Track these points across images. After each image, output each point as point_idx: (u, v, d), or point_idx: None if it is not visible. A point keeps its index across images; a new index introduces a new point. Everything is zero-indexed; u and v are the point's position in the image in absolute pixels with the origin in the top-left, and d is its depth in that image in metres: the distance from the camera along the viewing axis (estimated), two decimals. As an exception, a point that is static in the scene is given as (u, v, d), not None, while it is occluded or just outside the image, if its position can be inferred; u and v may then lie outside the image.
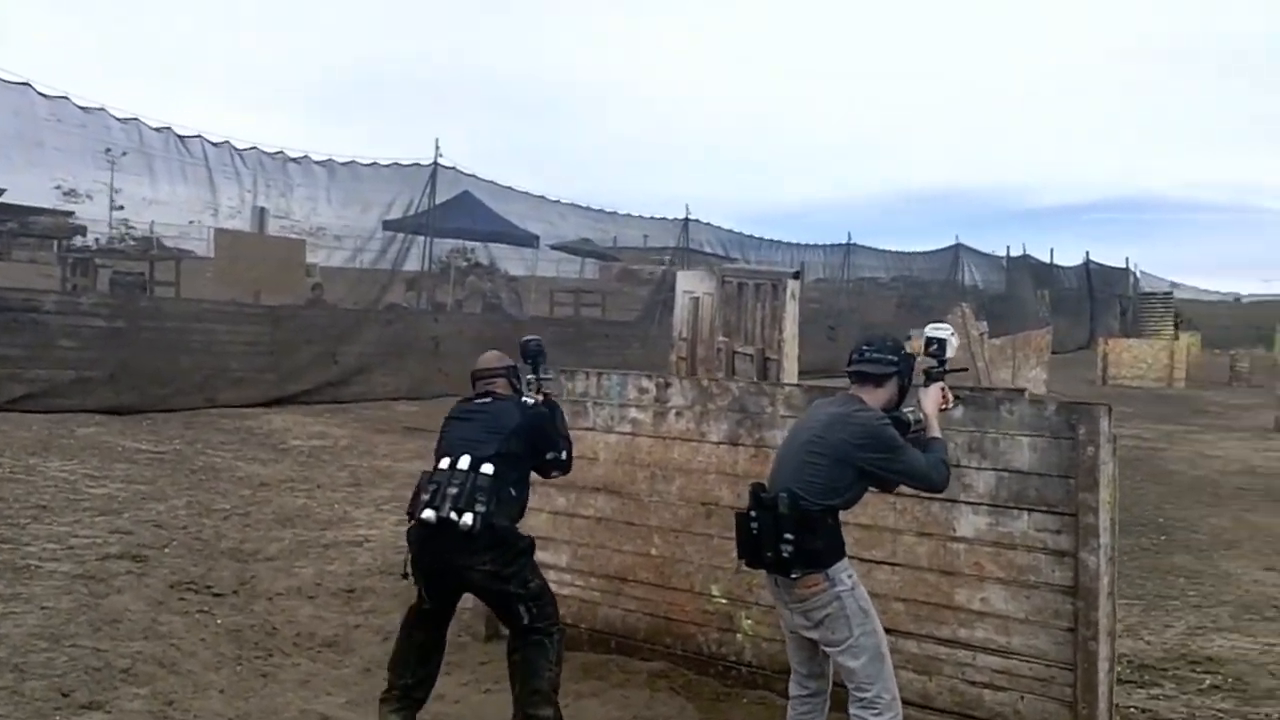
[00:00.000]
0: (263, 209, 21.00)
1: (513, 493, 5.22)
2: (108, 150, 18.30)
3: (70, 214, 21.28)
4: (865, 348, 4.73)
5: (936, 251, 41.94)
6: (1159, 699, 6.49)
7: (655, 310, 24.80)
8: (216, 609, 7.24)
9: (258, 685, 6.12)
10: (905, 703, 4.71)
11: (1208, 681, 6.85)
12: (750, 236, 31.74)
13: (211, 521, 9.58)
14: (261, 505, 10.49)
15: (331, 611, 7.49)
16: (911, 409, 4.69)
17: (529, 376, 5.62)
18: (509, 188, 24.04)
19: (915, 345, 5.04)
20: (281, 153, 19.55)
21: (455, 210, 22.96)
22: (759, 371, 12.62)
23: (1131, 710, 6.23)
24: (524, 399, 5.57)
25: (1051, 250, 50.60)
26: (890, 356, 4.67)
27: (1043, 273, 49.04)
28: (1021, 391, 5.32)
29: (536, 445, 5.43)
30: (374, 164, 20.78)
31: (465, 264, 25.66)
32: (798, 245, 34.80)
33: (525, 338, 5.74)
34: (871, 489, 4.72)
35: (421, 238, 21.67)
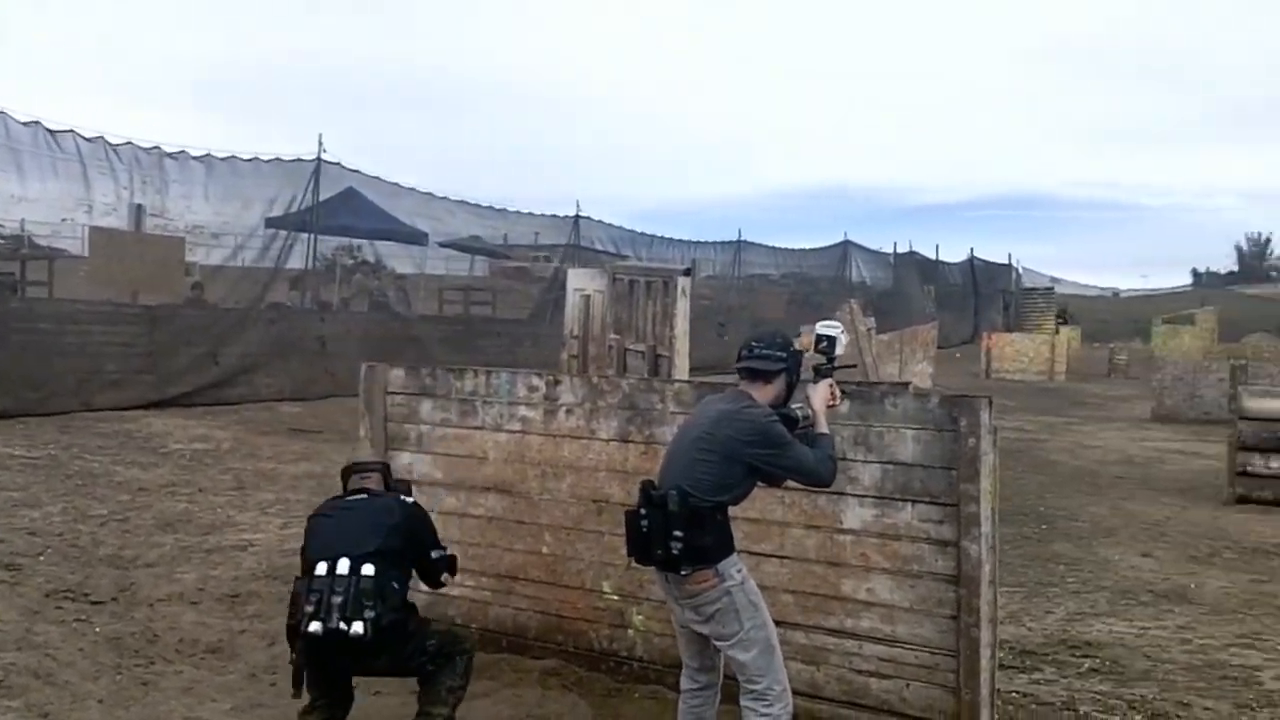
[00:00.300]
0: (139, 206, 20.47)
1: (395, 586, 5.15)
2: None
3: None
4: (754, 344, 4.76)
5: (826, 248, 42.41)
6: (1040, 683, 6.65)
7: (547, 308, 24.73)
8: (95, 617, 7.07)
9: (139, 694, 5.98)
10: (794, 693, 4.76)
11: (1086, 665, 7.04)
12: (642, 234, 31.80)
13: (88, 528, 9.35)
14: (141, 510, 10.24)
15: (215, 617, 7.35)
16: (800, 405, 4.74)
17: None
18: (395, 184, 23.78)
19: (805, 341, 5.10)
20: (158, 148, 19.06)
21: (340, 207, 22.62)
22: (650, 368, 12.69)
23: (1014, 695, 6.37)
24: (401, 496, 5.55)
25: (937, 247, 51.57)
26: (779, 353, 4.70)
27: (929, 269, 49.89)
28: (906, 385, 5.41)
29: (417, 542, 5.37)
30: (254, 160, 20.36)
31: (352, 262, 25.34)
32: (689, 242, 34.97)
33: None
34: (760, 484, 4.76)
35: (306, 235, 21.33)
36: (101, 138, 18.55)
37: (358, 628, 4.88)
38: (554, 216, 28.07)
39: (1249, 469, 13.04)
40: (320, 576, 4.98)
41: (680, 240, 34.21)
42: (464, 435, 6.68)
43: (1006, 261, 59.46)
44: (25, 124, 17.44)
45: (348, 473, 5.65)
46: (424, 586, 5.63)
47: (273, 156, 20.58)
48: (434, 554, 5.44)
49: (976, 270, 54.11)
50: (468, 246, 28.90)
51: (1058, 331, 39.02)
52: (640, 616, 6.07)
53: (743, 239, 36.25)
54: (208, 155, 19.96)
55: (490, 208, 27.11)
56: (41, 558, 8.25)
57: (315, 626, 4.89)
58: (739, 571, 4.57)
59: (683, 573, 4.49)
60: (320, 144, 20.92)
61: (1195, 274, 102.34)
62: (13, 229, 20.14)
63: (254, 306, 20.24)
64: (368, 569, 4.99)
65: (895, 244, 48.04)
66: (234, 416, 17.34)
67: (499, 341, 24.63)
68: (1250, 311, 53.64)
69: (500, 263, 32.00)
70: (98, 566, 8.23)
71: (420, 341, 22.34)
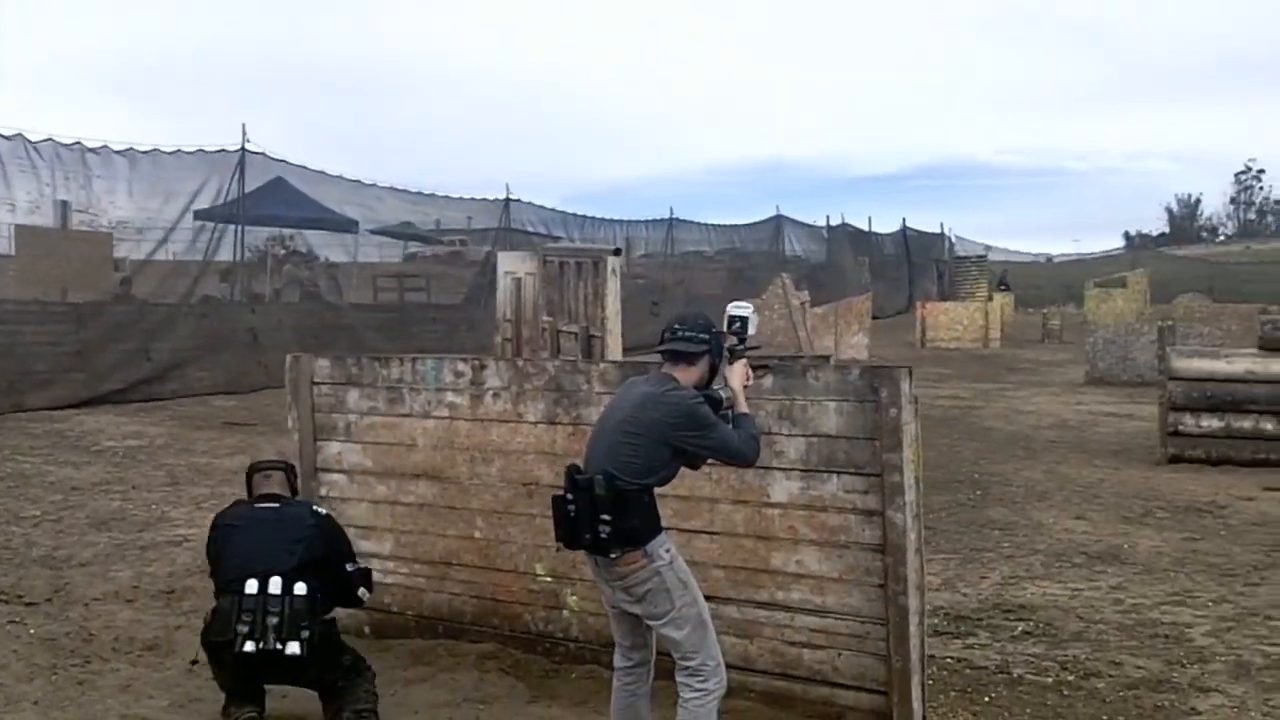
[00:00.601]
0: (65, 203, 20.21)
1: (323, 600, 5.21)
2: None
3: None
4: (677, 326, 4.76)
5: (758, 223, 42.53)
6: (974, 648, 6.73)
7: (481, 293, 24.65)
8: (29, 618, 6.98)
9: (75, 694, 5.91)
10: (728, 666, 4.80)
11: (1020, 628, 7.13)
12: (574, 215, 31.74)
13: (21, 529, 9.25)
14: (74, 510, 10.14)
15: (151, 614, 7.28)
16: (721, 386, 4.76)
17: None
18: (322, 172, 23.59)
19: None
20: (79, 144, 18.83)
21: (269, 197, 22.45)
22: (583, 349, 12.71)
23: (948, 660, 6.45)
24: (313, 506, 5.63)
25: (870, 218, 51.77)
26: (702, 335, 4.70)
27: (862, 241, 50.12)
28: (827, 358, 5.44)
29: (334, 554, 5.42)
30: (178, 151, 20.14)
31: (283, 252, 25.13)
32: (621, 221, 34.98)
33: None
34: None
35: (234, 227, 21.14)
36: (20, 135, 18.29)
37: (294, 648, 4.95)
38: (484, 200, 27.96)
39: (1180, 429, 13.22)
40: (252, 595, 5.01)
41: (613, 220, 34.22)
42: (392, 423, 6.65)
43: (939, 231, 60.06)
44: (-60, 125, 17.14)
45: (251, 472, 5.67)
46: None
47: (196, 148, 20.40)
48: (349, 567, 5.46)
49: (909, 240, 54.56)
50: (399, 233, 28.75)
51: (991, 298, 39.36)
52: (574, 597, 6.08)
53: (675, 216, 36.31)
54: (130, 149, 19.76)
55: (419, 193, 27.00)
56: (-28, 561, 8.15)
57: (250, 646, 4.92)
58: (667, 551, 4.58)
59: (612, 555, 4.50)
60: (244, 134, 20.75)
61: (1127, 237, 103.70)
62: (-66, 230, 19.86)
63: (184, 301, 20.07)
64: (300, 588, 5.04)
65: (828, 217, 48.31)
66: (167, 412, 17.19)
67: (435, 328, 24.58)
68: (1181, 272, 54.41)
69: (423, 249, 31.78)
70: (31, 567, 8.14)
71: (354, 330, 22.25)
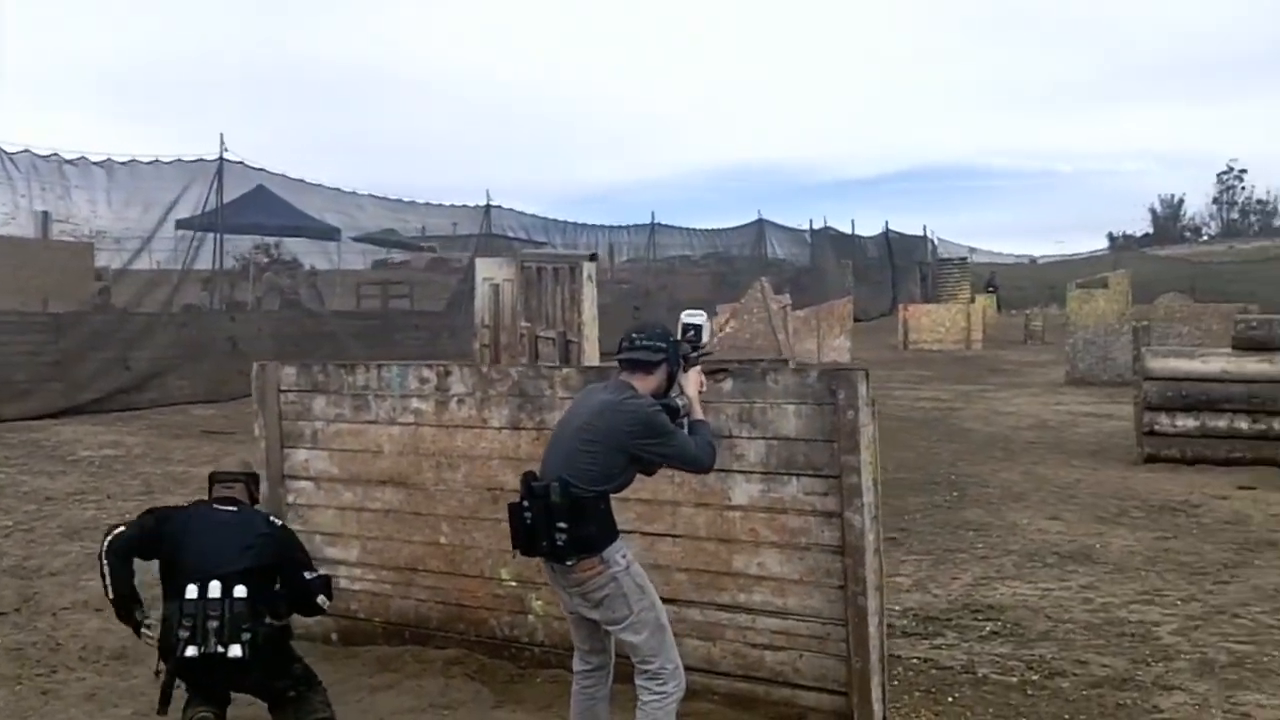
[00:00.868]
0: (46, 213, 20.21)
1: (268, 604, 5.22)
2: None
3: None
4: (635, 336, 4.78)
5: (740, 227, 42.58)
6: (941, 648, 6.75)
7: (463, 299, 24.66)
8: (-4, 629, 6.98)
9: (38, 704, 5.94)
10: (691, 669, 4.82)
11: (988, 628, 7.15)
12: (555, 220, 31.77)
13: (-8, 540, 9.23)
14: (47, 519, 10.14)
15: (119, 623, 7.25)
16: (678, 394, 4.78)
17: None
18: (301, 180, 23.59)
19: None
20: (56, 154, 18.82)
21: (250, 206, 22.48)
22: (561, 354, 12.73)
23: (914, 661, 6.47)
24: (269, 515, 5.62)
25: (853, 221, 51.89)
26: (659, 344, 4.73)
27: (845, 244, 50.22)
28: (785, 362, 5.46)
29: (289, 561, 5.42)
30: (155, 161, 20.13)
31: (266, 260, 25.14)
32: (604, 227, 34.98)
33: None
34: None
35: (215, 236, 21.13)
36: (-4, 147, 18.29)
37: (235, 650, 4.95)
38: (465, 207, 27.96)
39: (1156, 428, 13.24)
40: (192, 600, 5.01)
41: (595, 225, 34.22)
42: (358, 430, 6.66)
43: (922, 233, 60.21)
44: (-83, 137, 17.15)
45: (213, 481, 5.67)
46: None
47: (174, 158, 20.40)
48: (307, 574, 5.46)
49: (893, 243, 54.70)
50: (382, 240, 28.75)
51: (973, 300, 39.43)
52: (540, 602, 6.09)
53: (657, 221, 36.31)
54: (108, 160, 19.74)
55: (400, 200, 27.00)
56: (-58, 571, 8.14)
57: (192, 651, 4.93)
58: (624, 556, 4.60)
59: (568, 562, 4.52)
60: (222, 143, 20.77)
61: (1111, 237, 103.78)
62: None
63: (164, 310, 20.05)
64: (240, 591, 5.03)
65: (811, 220, 48.39)
66: (145, 421, 17.16)
67: (417, 335, 24.58)
68: (1164, 272, 54.47)
69: (392, 256, 31.68)
70: (0, 578, 8.13)
71: (335, 337, 22.24)
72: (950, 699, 5.89)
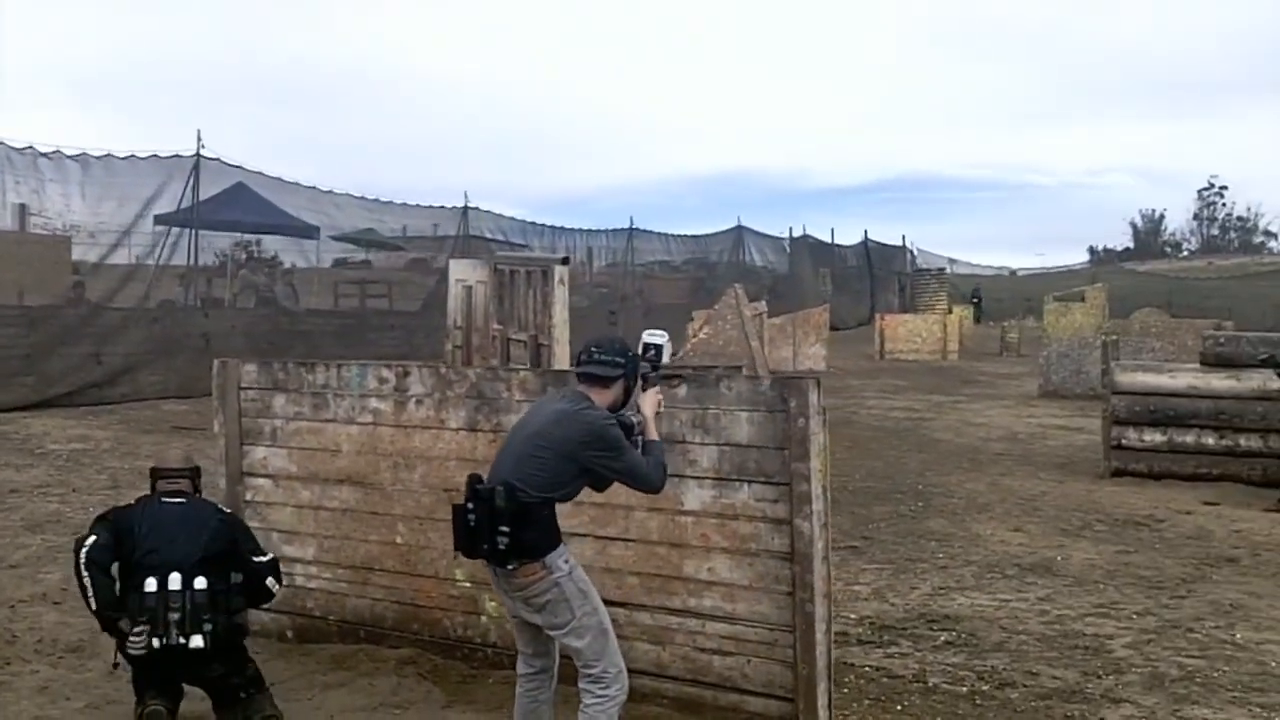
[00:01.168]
0: (23, 206, 20.12)
1: (227, 593, 5.27)
2: None
3: None
4: (594, 349, 4.81)
5: (719, 234, 42.52)
6: (894, 657, 6.78)
7: (438, 300, 24.61)
8: (-49, 622, 6.96)
9: (-11, 696, 5.92)
10: (640, 672, 4.85)
11: (943, 638, 7.19)
12: (533, 223, 31.68)
13: (-47, 532, 9.19)
14: (10, 512, 10.12)
15: (77, 616, 7.21)
16: (633, 411, 4.80)
17: None
18: (279, 178, 23.51)
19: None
20: (31, 148, 18.73)
21: (228, 203, 22.39)
22: (532, 357, 12.72)
23: (866, 669, 6.51)
24: (218, 505, 5.70)
25: (832, 230, 51.90)
26: (618, 359, 4.76)
27: (824, 252, 50.24)
28: (739, 369, 5.49)
29: (238, 547, 5.46)
30: (131, 157, 20.07)
31: (245, 257, 25.07)
32: (582, 231, 34.89)
33: None
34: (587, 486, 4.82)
35: (190, 231, 21.05)
36: (-31, 140, 18.21)
37: (197, 641, 5.01)
38: (443, 208, 27.91)
39: (1124, 442, 13.31)
40: (151, 593, 5.04)
41: (573, 229, 34.13)
42: (317, 428, 6.67)
43: (901, 243, 60.33)
44: (-107, 129, 17.09)
45: (156, 477, 5.68)
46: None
47: (150, 153, 20.30)
48: (256, 559, 5.48)
49: (871, 253, 54.74)
50: (361, 240, 28.68)
51: (950, 310, 39.50)
52: (493, 603, 6.08)
53: (636, 226, 36.25)
54: (83, 154, 19.63)
55: (378, 200, 26.90)
56: (-103, 565, 8.11)
57: (155, 643, 4.95)
58: (566, 562, 4.63)
59: (510, 567, 4.55)
60: (199, 139, 20.67)
61: (1092, 251, 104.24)
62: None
63: (138, 305, 19.98)
64: (200, 583, 5.07)
65: (790, 228, 48.40)
66: (116, 416, 17.11)
67: (393, 335, 24.50)
68: (1142, 287, 54.66)
69: (353, 255, 31.48)
70: (-43, 570, 8.12)
71: (309, 336, 22.17)
72: (899, 707, 5.93)
